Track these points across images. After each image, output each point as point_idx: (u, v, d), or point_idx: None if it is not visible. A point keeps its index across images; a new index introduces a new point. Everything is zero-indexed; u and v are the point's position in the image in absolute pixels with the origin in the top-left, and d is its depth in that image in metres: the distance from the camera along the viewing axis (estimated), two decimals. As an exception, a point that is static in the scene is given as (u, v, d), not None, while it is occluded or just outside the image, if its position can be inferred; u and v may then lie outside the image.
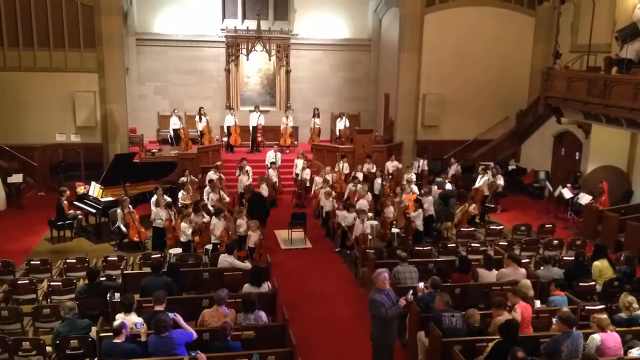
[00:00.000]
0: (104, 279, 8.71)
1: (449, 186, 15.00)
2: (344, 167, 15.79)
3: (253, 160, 16.70)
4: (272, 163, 15.64)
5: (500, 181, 15.08)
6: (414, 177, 14.78)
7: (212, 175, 14.28)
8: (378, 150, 17.38)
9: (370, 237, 11.72)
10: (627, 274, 8.88)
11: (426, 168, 16.52)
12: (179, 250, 10.87)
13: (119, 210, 11.90)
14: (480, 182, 14.83)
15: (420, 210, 12.16)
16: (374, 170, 15.67)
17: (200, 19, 19.67)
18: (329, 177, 14.55)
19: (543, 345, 6.49)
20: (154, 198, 11.94)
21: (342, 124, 18.63)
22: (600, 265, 9.20)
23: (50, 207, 12.78)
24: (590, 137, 15.00)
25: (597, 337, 6.43)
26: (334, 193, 13.55)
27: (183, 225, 10.88)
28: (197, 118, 18.08)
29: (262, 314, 7.28)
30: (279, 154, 16.32)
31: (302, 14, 20.30)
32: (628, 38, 13.10)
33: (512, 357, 5.68)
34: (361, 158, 16.42)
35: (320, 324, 9.00)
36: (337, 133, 18.76)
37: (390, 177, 15.62)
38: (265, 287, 8.29)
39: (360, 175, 14.99)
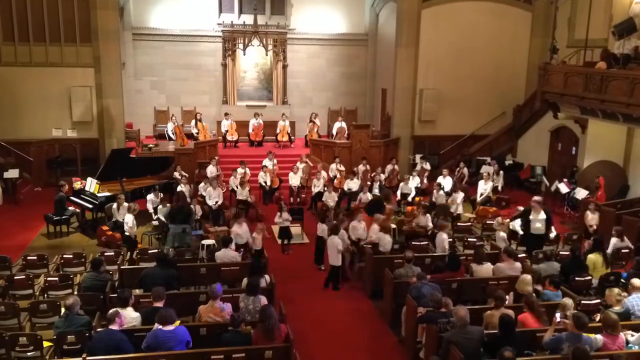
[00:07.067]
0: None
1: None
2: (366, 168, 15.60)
3: (252, 155, 16.85)
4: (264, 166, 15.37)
5: (500, 182, 15.12)
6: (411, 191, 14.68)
7: (211, 169, 14.18)
8: (375, 145, 17.40)
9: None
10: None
11: (429, 168, 16.19)
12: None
13: (114, 206, 11.90)
14: (487, 188, 14.32)
15: (429, 215, 11.81)
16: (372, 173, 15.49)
17: (197, 13, 19.63)
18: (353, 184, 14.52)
19: (545, 341, 6.47)
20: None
21: (338, 125, 18.47)
22: (595, 259, 9.27)
23: (47, 202, 12.75)
24: (586, 132, 15.01)
25: (599, 338, 6.36)
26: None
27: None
28: (192, 123, 18.08)
29: (263, 298, 7.34)
30: (275, 160, 15.62)
31: (299, 8, 20.27)
32: (624, 33, 13.09)
33: (500, 357, 5.72)
34: (357, 158, 16.30)
35: (317, 319, 9.01)
36: (334, 132, 18.62)
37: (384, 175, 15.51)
38: (263, 282, 8.31)
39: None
